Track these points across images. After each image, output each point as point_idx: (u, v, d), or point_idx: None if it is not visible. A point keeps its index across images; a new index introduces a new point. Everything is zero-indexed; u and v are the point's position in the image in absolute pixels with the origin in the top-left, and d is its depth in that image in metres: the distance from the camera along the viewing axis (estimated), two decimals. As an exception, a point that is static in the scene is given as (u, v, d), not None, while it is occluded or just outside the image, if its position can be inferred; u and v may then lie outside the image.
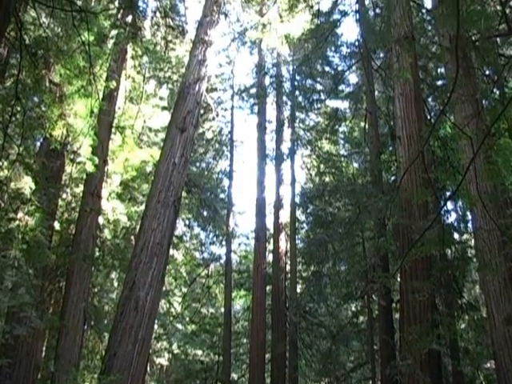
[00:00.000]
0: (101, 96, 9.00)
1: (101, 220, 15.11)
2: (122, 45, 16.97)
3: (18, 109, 7.06)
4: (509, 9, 8.58)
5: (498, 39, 10.62)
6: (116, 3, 17.31)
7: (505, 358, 9.49)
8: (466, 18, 7.75)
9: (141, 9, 18.36)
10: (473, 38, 9.60)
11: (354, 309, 23.38)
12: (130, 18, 17.64)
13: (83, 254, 12.95)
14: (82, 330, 14.99)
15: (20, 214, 8.18)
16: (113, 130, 16.60)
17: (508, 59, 8.89)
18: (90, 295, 15.19)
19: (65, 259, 13.12)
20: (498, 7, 8.69)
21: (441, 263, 12.39)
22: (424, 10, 16.95)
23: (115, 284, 22.41)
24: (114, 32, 14.81)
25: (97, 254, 12.89)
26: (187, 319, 29.78)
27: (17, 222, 8.09)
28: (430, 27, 15.66)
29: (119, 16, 17.27)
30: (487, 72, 11.11)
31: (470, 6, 7.93)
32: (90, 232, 13.76)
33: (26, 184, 8.15)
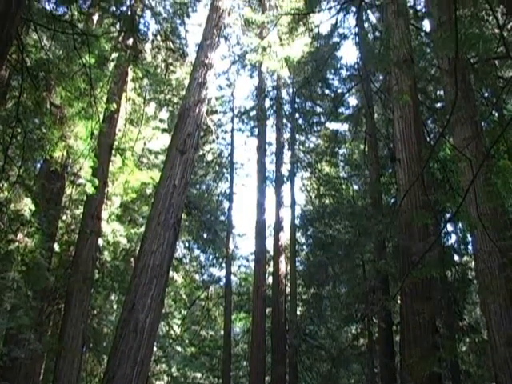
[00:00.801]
0: (101, 118, 9.06)
1: (100, 242, 15.09)
2: (123, 67, 17.06)
3: (19, 130, 7.09)
4: (506, 32, 8.66)
5: (496, 62, 10.69)
6: (117, 26, 17.41)
7: (506, 381, 9.43)
8: (464, 40, 7.80)
9: (142, 32, 18.48)
10: (471, 61, 9.67)
11: (354, 331, 23.30)
12: (130, 41, 17.73)
13: (83, 276, 12.93)
14: (81, 353, 14.89)
15: (20, 236, 8.19)
16: (113, 152, 16.60)
17: (506, 81, 8.97)
18: (89, 317, 15.13)
19: (64, 281, 13.09)
20: (496, 30, 8.78)
21: (441, 285, 12.38)
22: (423, 33, 17.04)
23: (114, 306, 22.33)
24: (114, 55, 14.89)
25: (96, 275, 12.85)
26: (187, 342, 29.67)
27: (16, 244, 8.09)
28: (428, 50, 15.75)
29: (120, 39, 17.37)
30: (486, 94, 11.19)
31: (468, 29, 7.99)
32: (89, 254, 13.71)
33: (26, 205, 8.17)
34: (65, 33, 7.25)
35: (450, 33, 7.74)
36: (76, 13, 7.78)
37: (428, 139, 14.70)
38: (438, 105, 16.56)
